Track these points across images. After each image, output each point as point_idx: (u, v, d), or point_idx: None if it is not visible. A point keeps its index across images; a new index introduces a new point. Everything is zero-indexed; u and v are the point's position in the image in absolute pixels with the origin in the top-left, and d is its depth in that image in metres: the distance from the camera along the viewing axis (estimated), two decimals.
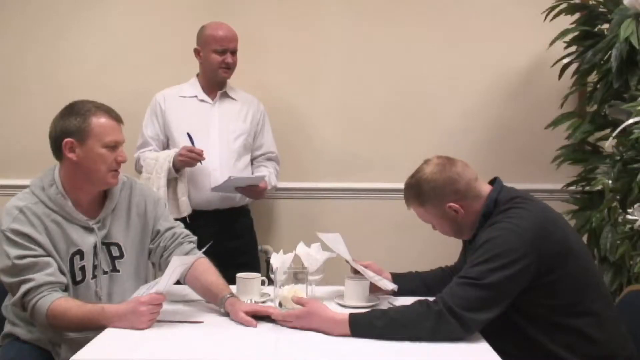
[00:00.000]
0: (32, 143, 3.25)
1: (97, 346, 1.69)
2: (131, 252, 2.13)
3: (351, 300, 2.07)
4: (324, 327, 1.80)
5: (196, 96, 2.98)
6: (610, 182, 2.76)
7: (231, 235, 2.90)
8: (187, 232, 2.23)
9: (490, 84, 3.37)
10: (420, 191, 1.98)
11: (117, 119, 2.04)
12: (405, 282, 2.18)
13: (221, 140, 2.90)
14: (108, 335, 1.77)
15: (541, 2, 3.03)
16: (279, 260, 2.09)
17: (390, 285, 2.11)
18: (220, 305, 1.98)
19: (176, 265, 1.88)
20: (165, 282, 1.87)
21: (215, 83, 2.98)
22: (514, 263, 1.77)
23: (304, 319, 1.83)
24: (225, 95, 3.00)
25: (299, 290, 1.95)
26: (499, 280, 1.76)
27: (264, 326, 1.87)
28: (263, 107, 3.08)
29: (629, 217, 2.60)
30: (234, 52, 2.93)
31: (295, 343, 1.75)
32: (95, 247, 2.05)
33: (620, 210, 2.75)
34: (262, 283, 2.18)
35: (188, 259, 2.01)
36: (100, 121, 1.99)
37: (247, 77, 3.16)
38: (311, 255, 2.14)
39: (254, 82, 3.24)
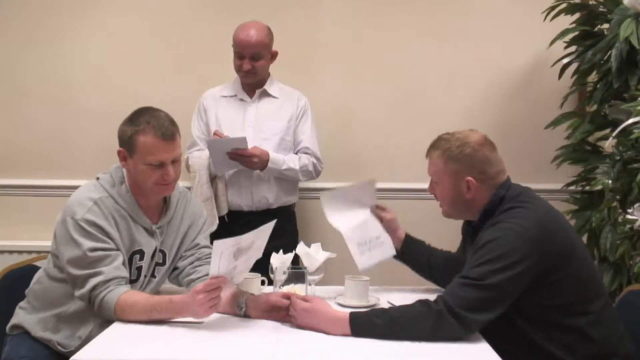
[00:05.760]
0: (32, 143, 3.25)
1: (97, 346, 1.69)
2: (170, 261, 2.14)
3: (351, 300, 2.07)
4: (325, 325, 1.80)
5: (236, 95, 2.94)
6: (610, 182, 2.75)
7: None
8: None
9: (490, 83, 3.37)
10: (454, 148, 1.97)
11: (166, 136, 1.94)
12: (413, 251, 2.24)
13: (254, 139, 2.81)
14: (109, 335, 1.78)
15: (541, 2, 3.03)
16: (278, 260, 2.09)
17: (389, 252, 2.20)
18: (240, 307, 1.94)
19: (223, 249, 1.79)
20: (216, 266, 1.80)
21: (251, 82, 2.91)
22: (516, 264, 1.77)
23: (307, 315, 1.83)
24: (265, 93, 2.92)
25: (299, 290, 1.95)
26: (500, 281, 1.76)
27: (264, 326, 1.87)
28: (305, 101, 2.96)
29: (628, 217, 2.60)
30: (255, 58, 2.81)
31: (295, 343, 1.76)
32: (155, 250, 2.06)
33: (620, 210, 2.75)
34: (262, 283, 2.18)
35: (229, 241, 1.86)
36: (145, 140, 1.93)
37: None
38: (311, 255, 2.14)
39: None
